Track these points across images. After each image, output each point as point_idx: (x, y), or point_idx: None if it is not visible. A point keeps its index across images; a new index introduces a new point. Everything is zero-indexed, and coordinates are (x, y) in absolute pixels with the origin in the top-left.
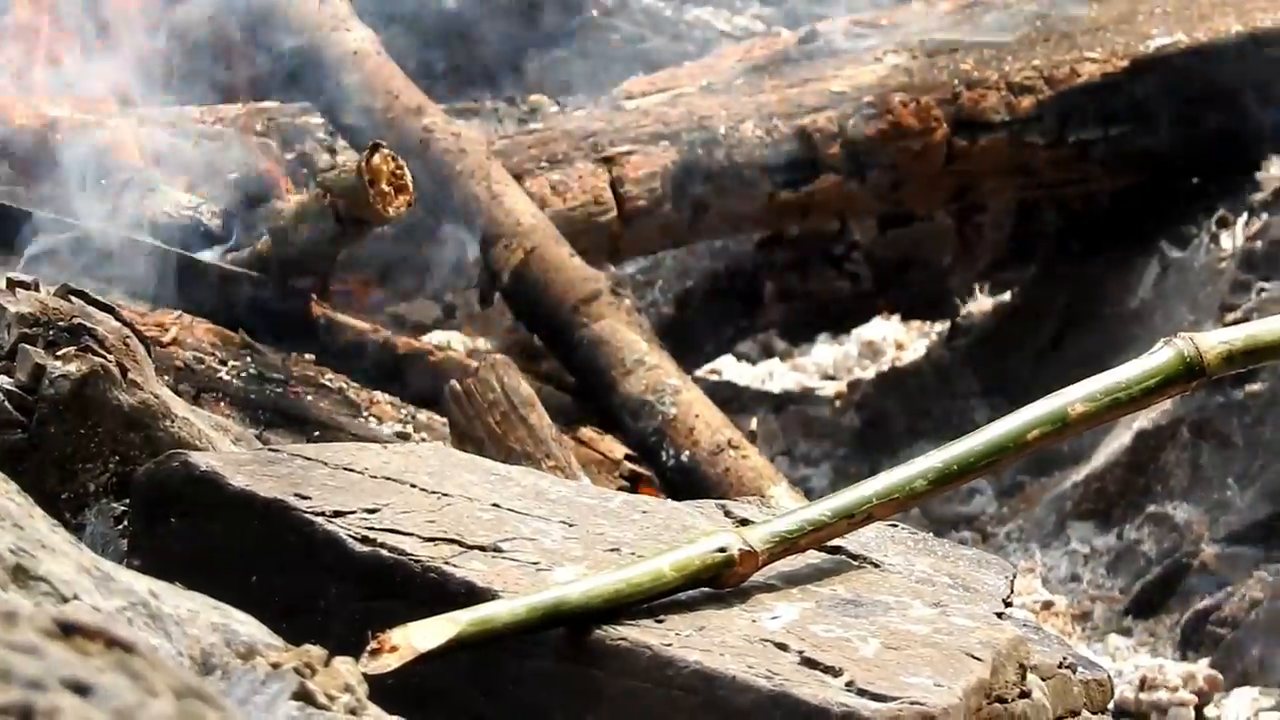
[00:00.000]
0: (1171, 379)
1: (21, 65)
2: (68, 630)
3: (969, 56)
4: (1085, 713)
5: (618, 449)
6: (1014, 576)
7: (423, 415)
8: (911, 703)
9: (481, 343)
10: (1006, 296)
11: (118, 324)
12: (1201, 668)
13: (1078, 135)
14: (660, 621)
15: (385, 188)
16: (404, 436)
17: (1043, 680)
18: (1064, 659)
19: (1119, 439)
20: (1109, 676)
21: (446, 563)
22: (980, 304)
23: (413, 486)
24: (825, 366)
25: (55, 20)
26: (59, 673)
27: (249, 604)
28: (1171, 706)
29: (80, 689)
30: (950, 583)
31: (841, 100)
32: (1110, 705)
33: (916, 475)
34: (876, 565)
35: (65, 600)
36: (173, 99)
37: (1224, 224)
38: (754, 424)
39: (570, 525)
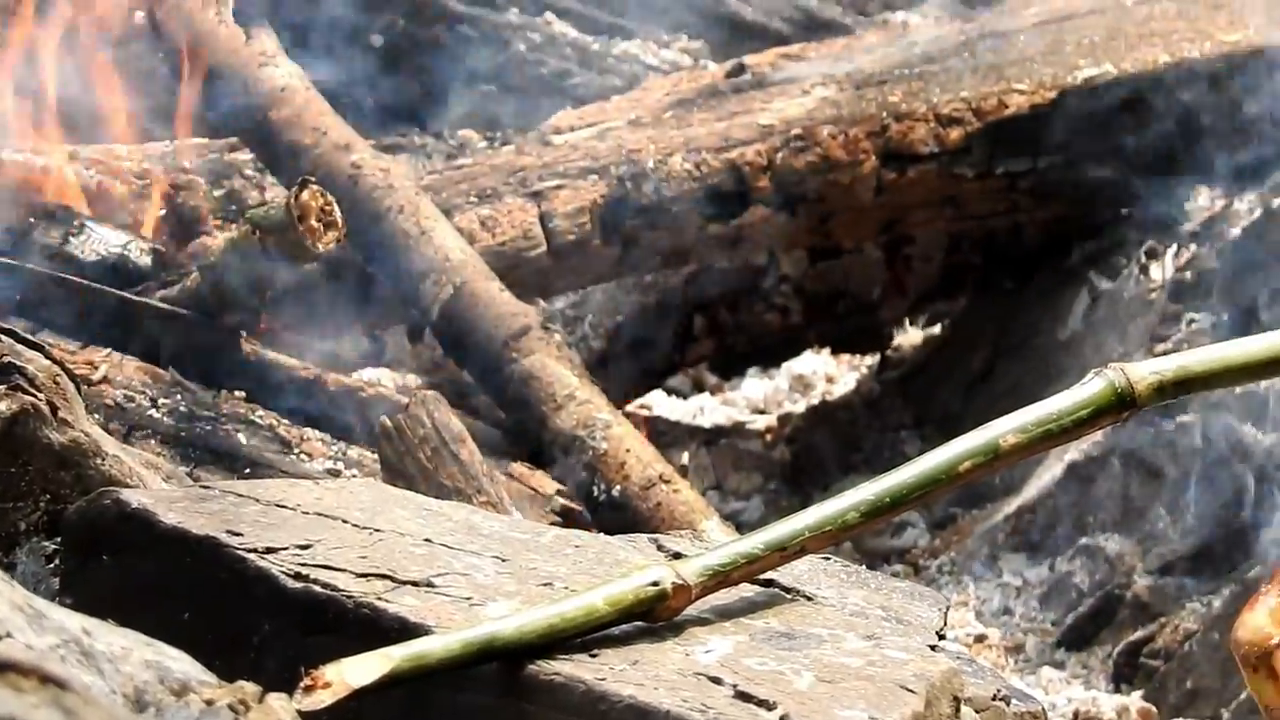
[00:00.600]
0: (1103, 410)
1: None
2: (1, 668)
3: (897, 88)
4: None
5: (549, 484)
6: (947, 609)
7: (353, 452)
8: None
9: (411, 379)
10: (936, 329)
11: (47, 362)
12: (1135, 700)
13: (1006, 167)
14: (594, 656)
15: (314, 224)
16: (335, 473)
17: (976, 713)
18: (998, 691)
19: (1050, 470)
20: (1043, 709)
21: (379, 598)
22: (910, 336)
23: (344, 522)
24: (756, 400)
25: None
26: None
27: (182, 641)
28: None
29: None
30: (883, 615)
31: (770, 133)
32: None
33: (848, 508)
34: (809, 598)
35: None
36: (101, 135)
37: (1153, 255)
38: (685, 458)
39: (503, 560)
